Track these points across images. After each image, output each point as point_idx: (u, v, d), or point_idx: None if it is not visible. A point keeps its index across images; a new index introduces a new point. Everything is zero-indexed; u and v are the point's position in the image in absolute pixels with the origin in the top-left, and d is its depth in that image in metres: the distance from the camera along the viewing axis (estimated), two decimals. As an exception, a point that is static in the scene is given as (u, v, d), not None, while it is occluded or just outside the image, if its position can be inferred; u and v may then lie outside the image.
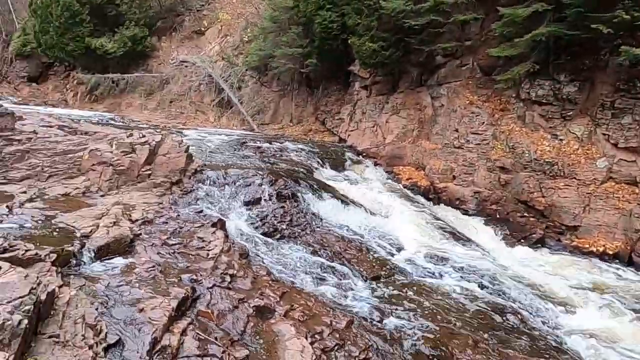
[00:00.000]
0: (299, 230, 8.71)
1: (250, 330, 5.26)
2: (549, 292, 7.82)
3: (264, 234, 8.32)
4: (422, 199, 13.17)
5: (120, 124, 16.86)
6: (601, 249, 10.06)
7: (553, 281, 8.33)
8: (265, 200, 9.33)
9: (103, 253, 5.73)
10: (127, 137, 9.48)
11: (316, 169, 13.10)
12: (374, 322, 5.90)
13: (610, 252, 9.95)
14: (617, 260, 9.81)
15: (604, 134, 10.96)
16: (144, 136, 9.47)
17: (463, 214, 12.54)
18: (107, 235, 6.03)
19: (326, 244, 8.38)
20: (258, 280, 6.37)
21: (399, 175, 14.58)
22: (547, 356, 5.69)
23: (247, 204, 9.07)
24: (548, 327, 6.66)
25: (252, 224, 8.49)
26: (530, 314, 6.92)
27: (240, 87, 21.17)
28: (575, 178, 11.24)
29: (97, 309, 4.47)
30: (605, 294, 8.08)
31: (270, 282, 6.38)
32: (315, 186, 10.78)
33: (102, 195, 7.95)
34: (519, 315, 6.80)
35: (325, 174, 13.47)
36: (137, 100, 23.63)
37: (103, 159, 8.61)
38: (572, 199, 11.06)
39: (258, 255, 7.33)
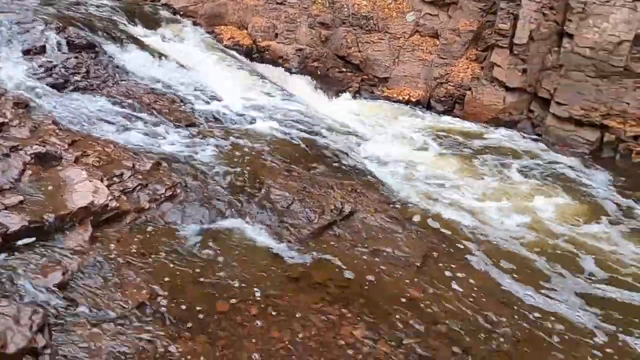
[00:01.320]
0: (99, 83, 7.52)
1: (28, 178, 4.42)
2: (359, 132, 8.31)
3: (51, 85, 6.97)
4: (245, 59, 12.55)
5: None
6: (407, 97, 10.95)
7: (363, 124, 8.86)
8: (52, 49, 7.74)
9: None
10: None
11: (123, 24, 11.34)
12: (184, 162, 5.51)
13: (414, 100, 10.90)
14: (420, 106, 10.83)
15: (413, -13, 11.35)
16: None
17: (287, 72, 12.36)
18: None
19: (133, 96, 7.42)
20: (40, 129, 5.34)
21: (221, 35, 13.53)
22: (354, 178, 6.05)
23: (27, 52, 7.42)
24: (357, 158, 7.09)
25: (34, 74, 7.02)
26: (342, 148, 7.25)
27: None
28: (387, 32, 11.67)
29: None
30: (406, 130, 8.91)
31: (56, 130, 5.41)
32: (120, 37, 9.34)
33: None
34: (332, 151, 7.08)
35: (135, 29, 11.79)
36: None
37: None
38: (384, 53, 11.57)
39: (42, 107, 6.14)
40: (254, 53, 12.90)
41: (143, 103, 7.30)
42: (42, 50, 7.66)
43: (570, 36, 9.31)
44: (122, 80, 7.91)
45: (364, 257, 4.44)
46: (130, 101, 7.20)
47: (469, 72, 10.60)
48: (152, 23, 13.01)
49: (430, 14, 11.54)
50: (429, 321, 3.71)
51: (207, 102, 7.99)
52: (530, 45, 9.79)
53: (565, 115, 9.26)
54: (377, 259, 4.44)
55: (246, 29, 13.49)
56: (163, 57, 9.66)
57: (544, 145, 9.14)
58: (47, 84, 6.90)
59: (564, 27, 9.38)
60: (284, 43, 12.77)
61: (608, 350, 3.76)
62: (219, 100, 8.30)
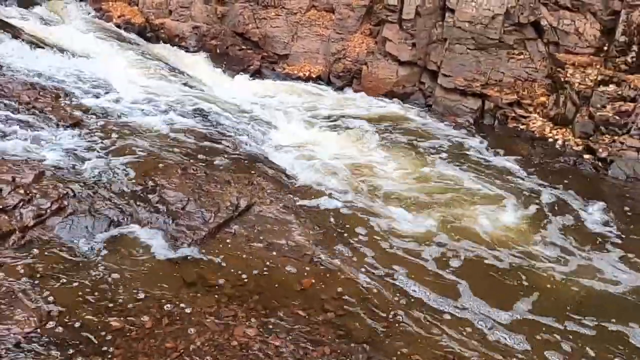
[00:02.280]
0: (-33, 82, 6.91)
1: None
2: (260, 116, 8.39)
3: None
4: (139, 39, 11.96)
5: None
6: (307, 74, 11.15)
7: (264, 106, 8.94)
8: None
9: None
10: None
11: (-7, 7, 10.32)
12: (71, 170, 5.33)
13: (314, 76, 11.13)
14: (320, 82, 11.07)
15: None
16: None
17: (185, 51, 11.99)
18: None
19: (9, 95, 6.90)
20: None
21: (109, 13, 12.75)
22: (252, 169, 6.21)
23: None
24: (257, 145, 7.22)
25: None
26: (242, 136, 7.34)
27: None
28: (284, 7, 11.67)
29: None
30: (307, 110, 9.15)
31: None
32: (-12, 26, 8.53)
33: None
34: (231, 140, 7.14)
35: (7, 10, 10.77)
36: None
37: None
38: (282, 29, 11.59)
39: None
40: (148, 32, 12.38)
41: (22, 102, 6.84)
42: None
43: (452, 11, 9.94)
44: (-6, 77, 7.30)
45: (259, 252, 4.68)
46: (6, 101, 6.71)
47: (364, 47, 10.96)
48: (27, 1, 11.94)
49: (327, -12, 11.65)
50: (318, 309, 4.06)
51: (97, 96, 7.64)
52: (417, 20, 10.31)
53: (451, 86, 9.98)
54: (272, 253, 4.70)
55: (137, 5, 12.82)
56: (43, 45, 9.01)
57: (432, 115, 9.83)
58: None
59: (446, 3, 9.97)
60: (179, 20, 12.36)
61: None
62: (110, 92, 7.95)
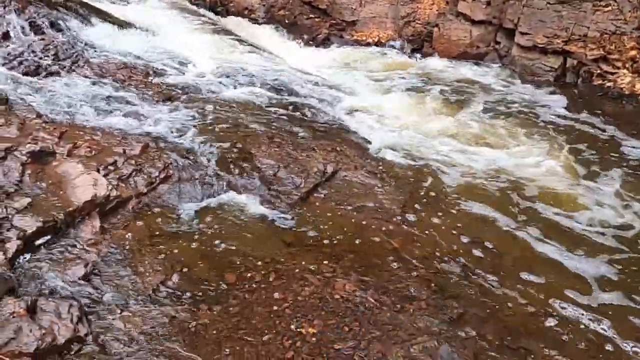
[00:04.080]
0: (70, 64, 7.55)
1: (29, 179, 4.71)
2: (332, 84, 8.53)
3: (25, 73, 7.01)
4: (210, 13, 12.37)
5: None
6: (376, 39, 11.07)
7: (335, 73, 9.07)
8: (16, 33, 7.66)
9: None
10: None
11: (78, -9, 11.00)
12: (171, 140, 5.79)
13: (384, 41, 11.03)
14: (390, 46, 10.98)
15: None
16: None
17: (253, 23, 12.26)
18: None
19: (107, 74, 7.51)
20: (27, 125, 5.52)
21: (180, -11, 13.19)
22: (334, 136, 6.43)
23: (-8, 41, 7.36)
24: (334, 112, 7.41)
25: (5, 64, 7.03)
26: (319, 104, 7.55)
27: None
28: (351, -28, 11.53)
29: None
30: (378, 75, 9.17)
31: (43, 124, 5.59)
32: (80, 11, 9.16)
33: None
34: (310, 108, 7.37)
35: (95, -2, 11.46)
36: None
37: None
38: (349, -5, 11.51)
39: (22, 99, 6.24)
40: (218, 7, 12.73)
41: (119, 80, 7.41)
42: (6, 36, 7.58)
43: (532, -36, 9.41)
44: (92, 58, 7.92)
45: (349, 214, 4.92)
46: (105, 80, 7.30)
47: (435, 9, 10.69)
48: (108, -17, 12.61)
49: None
50: (411, 267, 4.27)
51: (181, 72, 8.09)
52: (497, -24, 9.86)
53: (530, 45, 9.57)
54: (361, 215, 4.92)
55: (207, -20, 13.15)
56: (128, 25, 9.57)
57: (510, 76, 9.51)
58: (21, 73, 6.95)
59: (526, -45, 9.45)
60: (248, -7, 12.57)
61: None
62: (193, 67, 8.39)
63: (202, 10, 12.31)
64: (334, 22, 11.62)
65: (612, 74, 8.85)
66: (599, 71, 9.01)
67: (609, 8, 9.20)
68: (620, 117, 7.92)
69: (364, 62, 9.94)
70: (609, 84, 8.82)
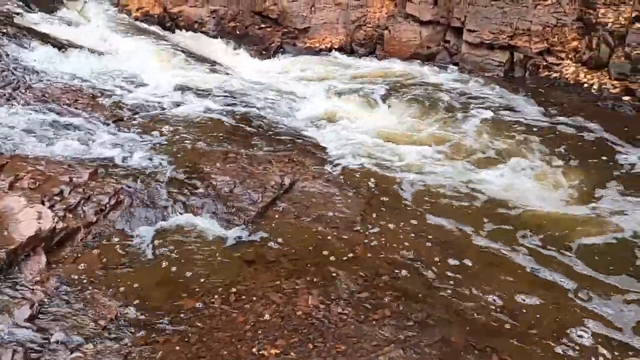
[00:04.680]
0: (11, 91, 7.22)
1: (-34, 217, 4.43)
2: (287, 93, 8.48)
3: (-39, 105, 6.67)
4: (159, 30, 12.14)
5: None
6: (329, 45, 11.10)
7: (290, 82, 9.01)
8: (-51, 63, 7.29)
9: None
10: None
11: (17, 14, 10.59)
12: (122, 164, 5.60)
13: (336, 46, 11.07)
14: (343, 51, 11.01)
15: None
16: None
17: (205, 36, 12.10)
18: None
19: (51, 99, 7.20)
20: (-38, 160, 5.24)
21: (128, 7, 12.94)
22: (290, 146, 6.35)
23: None
24: (290, 122, 7.35)
25: (-62, 96, 6.67)
26: (275, 115, 7.47)
27: None
28: (299, -20, 11.53)
29: None
30: (333, 81, 9.16)
31: (-19, 158, 5.31)
32: (19, 35, 8.81)
33: None
34: (265, 120, 7.29)
35: (33, 18, 11.05)
36: None
37: None
38: (299, 2, 11.50)
39: (-41, 132, 5.93)
40: (167, 22, 12.52)
41: (63, 105, 7.13)
42: (-61, 67, 7.20)
43: (471, -37, 9.63)
44: (34, 83, 7.60)
45: (309, 226, 4.85)
46: (49, 106, 7.01)
47: (384, 12, 10.81)
48: (49, 3, 12.20)
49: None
50: (373, 274, 4.23)
51: (131, 91, 7.87)
52: (436, -23, 10.04)
53: (477, 41, 9.78)
54: (321, 225, 4.86)
55: (154, -4, 12.91)
56: (71, 47, 9.26)
57: (461, 73, 9.68)
58: (-44, 105, 6.60)
59: (465, -45, 9.67)
60: (197, 6, 12.43)
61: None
62: (143, 86, 8.18)
63: (150, 27, 12.06)
64: (286, 30, 11.59)
65: (557, 65, 9.14)
66: (544, 63, 9.29)
67: (549, 2, 9.51)
68: (567, 105, 8.16)
69: (318, 69, 9.92)
70: (555, 74, 9.10)
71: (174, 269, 4.25)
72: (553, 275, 4.39)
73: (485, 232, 4.95)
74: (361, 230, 4.84)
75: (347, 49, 11.02)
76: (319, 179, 5.62)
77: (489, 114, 7.83)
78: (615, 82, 8.45)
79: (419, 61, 10.28)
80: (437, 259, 4.49)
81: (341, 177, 5.82)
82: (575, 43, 9.23)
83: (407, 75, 9.57)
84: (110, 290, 3.94)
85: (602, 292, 4.17)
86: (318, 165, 6.00)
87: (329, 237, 4.70)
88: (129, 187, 5.19)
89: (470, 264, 4.41)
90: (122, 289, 3.97)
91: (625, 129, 7.30)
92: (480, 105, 8.28)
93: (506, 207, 5.40)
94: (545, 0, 9.55)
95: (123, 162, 5.70)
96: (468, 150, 6.79)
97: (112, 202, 4.96)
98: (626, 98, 8.10)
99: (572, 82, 8.82)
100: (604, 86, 8.49)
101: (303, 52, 11.18)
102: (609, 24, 8.67)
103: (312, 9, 11.42)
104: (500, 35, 9.59)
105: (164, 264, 4.30)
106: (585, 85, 8.67)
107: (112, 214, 4.86)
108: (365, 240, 4.70)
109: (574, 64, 9.08)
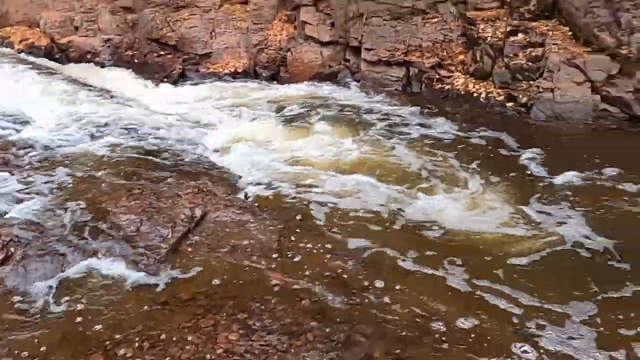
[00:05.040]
0: None
1: None
2: (192, 120, 8.29)
3: None
4: (48, 62, 11.35)
5: None
6: (232, 69, 11.05)
7: (195, 109, 8.82)
8: None
9: None
10: None
11: None
12: (10, 214, 5.09)
13: (240, 70, 11.05)
14: (247, 75, 11.01)
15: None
16: None
17: (100, 67, 11.52)
18: None
19: None
20: None
21: (9, 39, 12.01)
22: (199, 176, 6.18)
23: None
24: (197, 150, 7.17)
25: None
26: (180, 145, 7.25)
27: None
28: (196, 6, 11.43)
29: None
30: (238, 106, 9.10)
31: None
32: None
33: None
34: (171, 150, 7.05)
35: None
36: None
37: None
38: (198, 28, 11.38)
39: None
40: (56, 53, 11.78)
41: (-64, 153, 6.38)
42: None
43: (364, -14, 10.13)
44: None
45: (224, 257, 4.71)
46: None
47: (285, 34, 11.00)
48: None
49: (236, -20, 11.51)
50: (293, 300, 4.19)
51: (18, 130, 7.24)
52: (331, 0, 10.43)
53: (375, 59, 10.27)
54: (237, 256, 4.74)
55: (38, 26, 12.13)
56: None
57: (362, 90, 10.08)
58: None
59: (357, -22, 10.16)
60: (88, 36, 11.84)
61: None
62: (33, 124, 7.57)
63: (38, 60, 11.24)
64: (187, 57, 11.36)
65: (449, 77, 9.84)
66: (437, 76, 9.95)
67: (436, 20, 10.25)
68: (459, 114, 8.79)
69: (224, 94, 9.83)
70: (447, 86, 9.78)
71: (78, 320, 3.91)
72: (481, 293, 4.39)
73: (408, 252, 4.92)
74: (279, 256, 4.79)
75: (251, 73, 11.04)
76: (231, 207, 5.51)
77: (385, 126, 8.17)
78: (499, 90, 9.26)
79: (322, 80, 10.54)
80: (360, 280, 4.51)
81: (255, 203, 5.75)
82: (462, 56, 10.00)
83: (311, 95, 9.78)
84: (10, 354, 3.53)
85: (531, 310, 4.18)
86: (230, 193, 5.88)
87: (245, 267, 4.60)
88: (21, 237, 4.72)
89: (387, 278, 4.51)
90: (17, 352, 3.57)
91: (512, 130, 7.96)
92: (378, 119, 8.60)
93: (426, 227, 5.39)
94: (432, 18, 10.29)
95: (12, 211, 5.19)
96: (385, 169, 6.80)
97: (1, 256, 4.48)
98: (510, 104, 8.90)
99: (462, 92, 9.53)
100: (490, 94, 9.27)
101: (207, 77, 11.03)
102: (489, 38, 9.52)
103: (213, 34, 11.33)
104: (396, 52, 10.14)
105: (67, 318, 3.94)
106: (475, 94, 9.41)
107: (1, 271, 4.39)
108: (284, 266, 4.66)
109: (463, 76, 9.83)
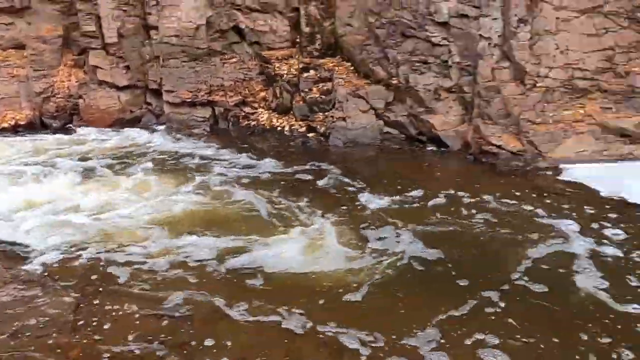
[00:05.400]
0: None
1: None
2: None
3: None
4: None
5: None
6: (13, 122, 9.72)
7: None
8: None
9: None
10: None
11: None
12: None
13: (23, 122, 9.77)
14: (32, 128, 9.79)
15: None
16: None
17: None
18: None
19: None
20: None
21: None
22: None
23: None
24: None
25: None
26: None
27: None
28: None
29: None
30: (25, 164, 8.00)
31: None
32: None
33: None
34: None
35: None
36: None
37: None
38: (-38, 77, 9.74)
39: None
40: None
41: None
42: None
43: (155, 27, 9.96)
44: None
45: (6, 344, 4.00)
46: None
47: (74, 79, 10.15)
48: None
49: (5, 24, 10.26)
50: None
51: None
52: (122, 43, 10.02)
53: (178, 101, 10.11)
54: (22, 341, 4.06)
55: None
56: None
57: (168, 133, 9.78)
58: None
59: (147, 20, 9.93)
60: None
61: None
62: None
63: None
64: (-50, 112, 9.61)
65: (253, 114, 10.18)
66: (243, 113, 10.22)
67: (234, 60, 10.58)
68: (268, 149, 9.09)
69: (3, 154, 8.51)
70: (253, 122, 10.11)
71: None
72: (321, 337, 4.17)
73: (239, 303, 4.64)
74: (77, 328, 4.25)
75: (38, 124, 9.84)
76: (13, 283, 4.74)
77: (194, 169, 7.98)
78: (300, 122, 9.90)
79: (124, 126, 9.95)
80: (164, 326, 4.26)
81: (45, 271, 5.05)
82: (263, 93, 10.47)
83: (111, 143, 9.17)
84: None
85: (378, 350, 3.99)
86: (12, 267, 5.08)
87: (35, 352, 3.96)
88: None
89: (197, 325, 4.34)
90: None
91: (313, 157, 8.44)
92: (185, 163, 8.28)
93: (262, 274, 5.13)
94: (230, 58, 10.59)
95: None
96: (196, 217, 6.45)
97: None
98: (311, 134, 9.58)
99: (268, 127, 9.94)
100: (293, 127, 9.86)
101: (-20, 134, 9.46)
102: (285, 75, 10.17)
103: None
104: (199, 92, 10.13)
105: None
106: (279, 128, 9.90)
107: None
108: (82, 336, 4.15)
109: (266, 111, 10.27)
